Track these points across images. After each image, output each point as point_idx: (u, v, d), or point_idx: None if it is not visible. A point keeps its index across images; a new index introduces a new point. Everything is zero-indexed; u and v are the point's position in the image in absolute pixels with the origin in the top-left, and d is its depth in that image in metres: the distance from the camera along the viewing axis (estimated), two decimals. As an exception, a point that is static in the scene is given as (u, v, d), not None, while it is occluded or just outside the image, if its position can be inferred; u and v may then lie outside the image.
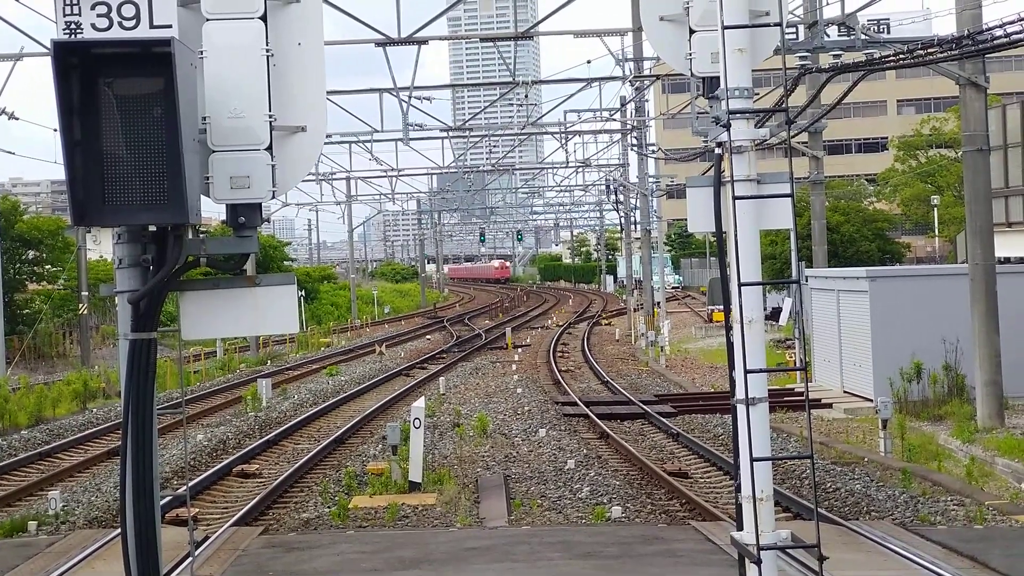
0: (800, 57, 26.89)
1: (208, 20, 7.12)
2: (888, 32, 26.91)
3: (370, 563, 14.83)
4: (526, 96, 44.69)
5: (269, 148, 7.15)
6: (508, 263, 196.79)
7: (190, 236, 7.20)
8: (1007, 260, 40.01)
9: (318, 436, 29.31)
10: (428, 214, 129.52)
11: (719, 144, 8.19)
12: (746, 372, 7.87)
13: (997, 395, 25.84)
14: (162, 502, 7.24)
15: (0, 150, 62.66)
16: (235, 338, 59.30)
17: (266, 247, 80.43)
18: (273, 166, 7.16)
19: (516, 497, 20.43)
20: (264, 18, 7.14)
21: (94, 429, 30.95)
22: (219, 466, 24.33)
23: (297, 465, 24.05)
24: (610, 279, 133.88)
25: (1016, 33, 21.58)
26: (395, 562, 14.82)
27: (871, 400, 28.59)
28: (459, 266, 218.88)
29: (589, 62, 43.64)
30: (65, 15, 6.94)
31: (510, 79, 41.80)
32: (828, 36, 26.33)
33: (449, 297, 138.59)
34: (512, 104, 57.93)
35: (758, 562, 7.83)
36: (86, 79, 6.68)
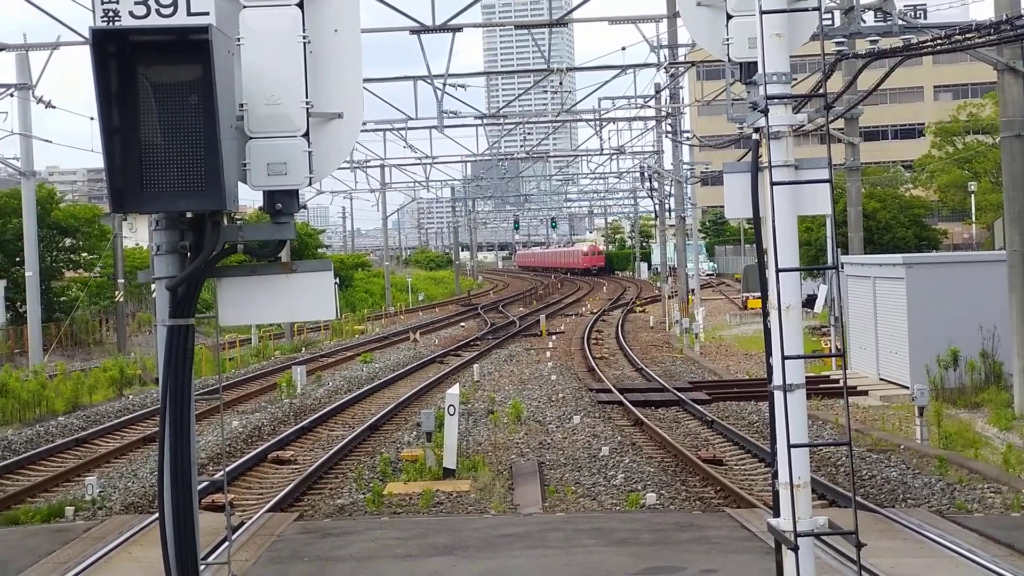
0: (837, 43, 26.74)
1: (245, 7, 7.14)
2: (925, 17, 26.74)
3: (404, 549, 14.86)
4: (560, 83, 44.57)
5: (306, 135, 7.17)
6: (600, 247, 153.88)
7: (227, 223, 7.23)
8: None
9: (352, 423, 29.38)
10: (462, 201, 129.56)
11: (756, 130, 8.16)
12: (783, 358, 7.84)
13: (1035, 383, 25.65)
14: (199, 488, 7.28)
15: (37, 138, 62.83)
16: (270, 325, 59.53)
17: (301, 234, 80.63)
18: (310, 152, 7.18)
19: (550, 484, 20.44)
20: (301, 5, 7.16)
21: (130, 415, 31.11)
22: (254, 452, 24.42)
23: (332, 452, 24.11)
24: (644, 266, 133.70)
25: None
26: (429, 548, 14.85)
27: (907, 387, 28.44)
28: (529, 251, 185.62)
29: (624, 49, 43.56)
30: (103, 3, 6.97)
31: (544, 66, 41.75)
32: (865, 21, 26.19)
33: (483, 284, 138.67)
34: (546, 91, 57.95)
35: (795, 548, 7.80)
36: (124, 67, 6.71)
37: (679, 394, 31.46)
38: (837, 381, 31.78)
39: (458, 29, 31.98)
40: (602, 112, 57.85)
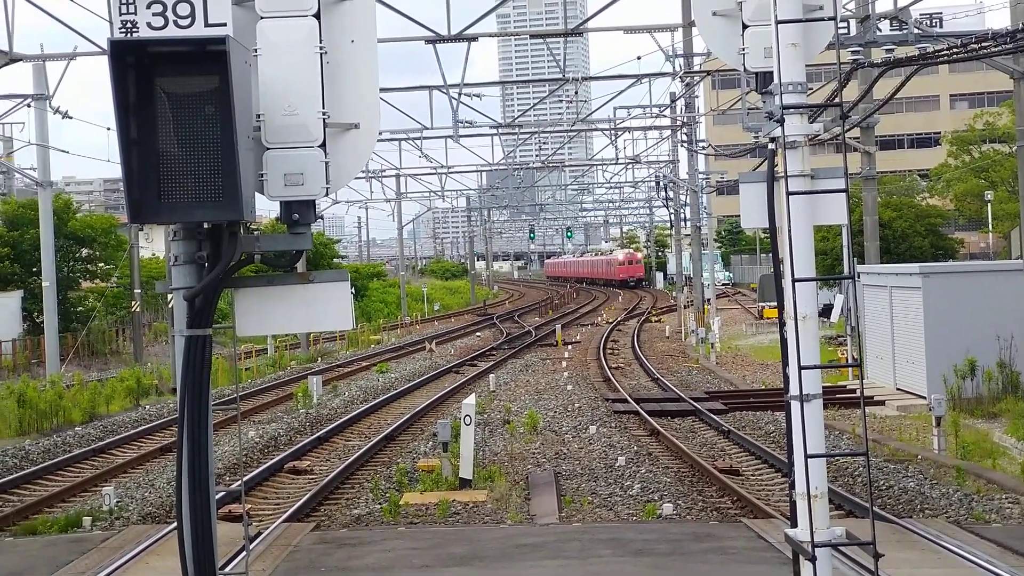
0: (852, 52, 26.69)
1: (262, 18, 7.16)
2: (941, 26, 26.69)
3: (421, 559, 14.86)
4: (576, 92, 44.59)
5: (323, 145, 7.19)
6: (639, 255, 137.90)
7: (244, 233, 7.25)
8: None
9: (368, 433, 29.40)
10: (478, 211, 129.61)
11: (772, 139, 8.16)
12: (800, 368, 7.83)
13: (1052, 392, 25.57)
14: (216, 498, 7.28)
15: (54, 149, 62.99)
16: (286, 335, 59.59)
17: (317, 244, 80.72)
18: (327, 163, 7.19)
19: (567, 494, 20.41)
20: (318, 16, 7.18)
21: (147, 425, 31.18)
22: (271, 462, 24.46)
23: (348, 462, 24.14)
24: (660, 276, 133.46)
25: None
26: (446, 558, 14.84)
27: (924, 397, 28.35)
28: (560, 260, 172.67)
29: (639, 58, 43.51)
30: (121, 14, 7.00)
31: (560, 75, 41.78)
32: (880, 31, 26.15)
33: (499, 294, 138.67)
34: (561, 100, 58.05)
35: (813, 559, 7.79)
36: (142, 78, 6.74)
37: (695, 404, 31.41)
38: (854, 391, 31.69)
39: (473, 39, 31.99)
40: (617, 121, 57.82)
